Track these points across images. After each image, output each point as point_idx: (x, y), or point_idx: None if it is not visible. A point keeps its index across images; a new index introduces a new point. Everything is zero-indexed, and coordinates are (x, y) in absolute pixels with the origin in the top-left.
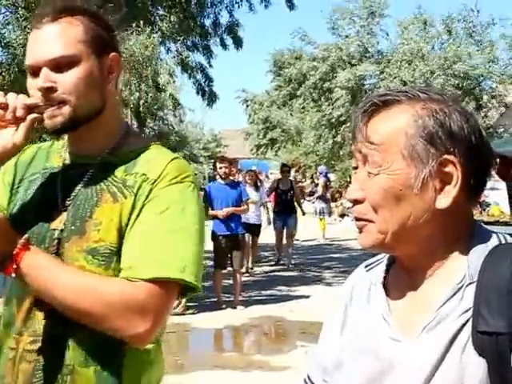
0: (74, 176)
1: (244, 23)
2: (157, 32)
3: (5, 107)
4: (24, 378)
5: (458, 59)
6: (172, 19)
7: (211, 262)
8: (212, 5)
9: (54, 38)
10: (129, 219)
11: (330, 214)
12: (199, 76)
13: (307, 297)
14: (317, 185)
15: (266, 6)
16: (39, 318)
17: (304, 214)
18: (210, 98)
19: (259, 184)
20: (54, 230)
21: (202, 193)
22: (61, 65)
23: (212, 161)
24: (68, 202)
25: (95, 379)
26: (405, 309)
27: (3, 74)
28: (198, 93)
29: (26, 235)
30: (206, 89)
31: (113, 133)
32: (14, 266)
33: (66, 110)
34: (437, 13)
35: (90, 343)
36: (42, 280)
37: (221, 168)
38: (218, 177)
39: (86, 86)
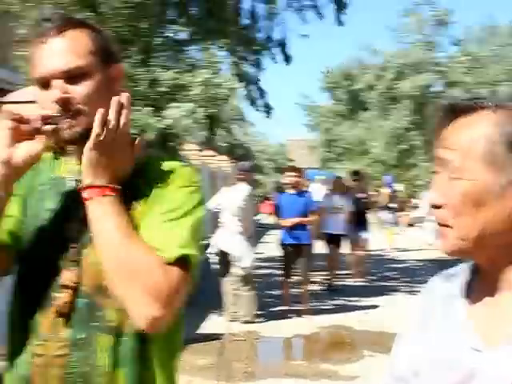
0: None
1: (312, 32)
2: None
3: (21, 120)
4: (54, 382)
5: None
6: (227, 31)
7: (279, 271)
8: (265, 19)
9: (65, 49)
10: (143, 221)
11: (397, 224)
12: (253, 88)
13: (374, 307)
14: (383, 195)
15: (320, 18)
16: (63, 324)
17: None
18: (266, 109)
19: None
20: (71, 237)
21: (271, 202)
22: (74, 76)
23: (278, 171)
24: (81, 212)
25: (126, 380)
26: (485, 318)
27: None
28: (252, 104)
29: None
30: (261, 101)
31: None
32: (101, 193)
33: (83, 120)
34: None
35: (119, 346)
36: (108, 221)
37: (290, 177)
38: (286, 187)
39: (99, 96)
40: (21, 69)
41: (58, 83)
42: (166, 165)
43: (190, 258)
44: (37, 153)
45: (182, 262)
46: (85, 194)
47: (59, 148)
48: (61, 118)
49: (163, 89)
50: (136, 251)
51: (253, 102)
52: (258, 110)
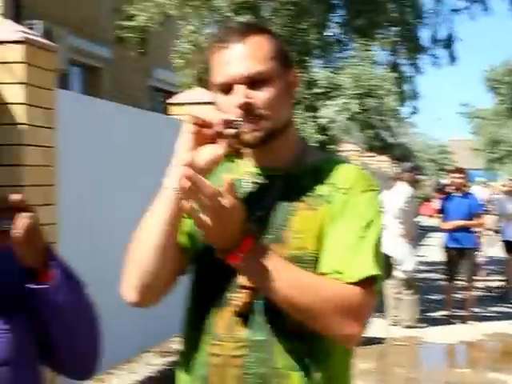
0: (263, 188)
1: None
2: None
3: (204, 124)
4: (232, 382)
5: None
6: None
7: (441, 275)
8: (430, 16)
9: (248, 55)
10: (326, 226)
11: None
12: (408, 88)
13: None
14: None
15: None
16: (240, 325)
17: None
18: (414, 110)
19: None
20: None
21: (432, 204)
22: (256, 81)
23: (439, 172)
24: (259, 213)
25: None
26: None
27: None
28: (402, 104)
29: (252, 225)
30: (412, 101)
31: (294, 146)
32: (240, 255)
33: (264, 124)
34: None
35: (297, 349)
36: (265, 271)
37: (455, 179)
38: (450, 188)
39: (279, 101)
40: (181, 70)
41: (240, 88)
42: (344, 168)
43: (375, 276)
44: (218, 156)
45: (367, 279)
46: (231, 263)
47: (235, 151)
48: (243, 122)
49: (319, 90)
50: (313, 282)
51: (403, 102)
52: (413, 112)
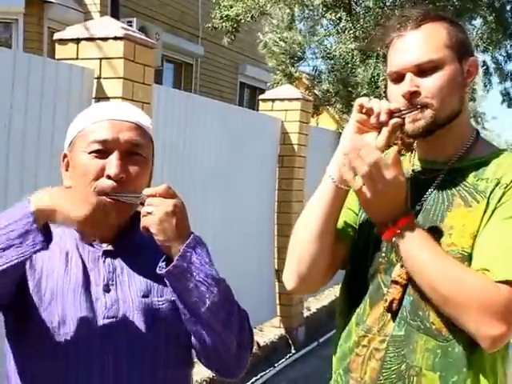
0: (424, 181)
1: None
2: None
3: (369, 112)
4: (371, 374)
5: None
6: (483, 28)
7: None
8: None
9: (421, 43)
10: (480, 223)
11: None
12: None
13: None
14: None
15: None
16: (390, 320)
17: None
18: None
19: None
20: None
21: None
22: (425, 69)
23: None
24: (418, 207)
25: None
26: None
27: (322, 82)
28: (503, 102)
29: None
30: None
31: (463, 138)
32: (397, 231)
33: (428, 113)
34: None
35: (437, 349)
36: (415, 252)
37: None
38: None
39: (448, 90)
40: (270, 67)
41: (409, 76)
42: (508, 162)
43: None
44: (378, 146)
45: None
46: (384, 237)
47: (404, 144)
48: (407, 111)
49: None
50: (461, 273)
51: (506, 100)
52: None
